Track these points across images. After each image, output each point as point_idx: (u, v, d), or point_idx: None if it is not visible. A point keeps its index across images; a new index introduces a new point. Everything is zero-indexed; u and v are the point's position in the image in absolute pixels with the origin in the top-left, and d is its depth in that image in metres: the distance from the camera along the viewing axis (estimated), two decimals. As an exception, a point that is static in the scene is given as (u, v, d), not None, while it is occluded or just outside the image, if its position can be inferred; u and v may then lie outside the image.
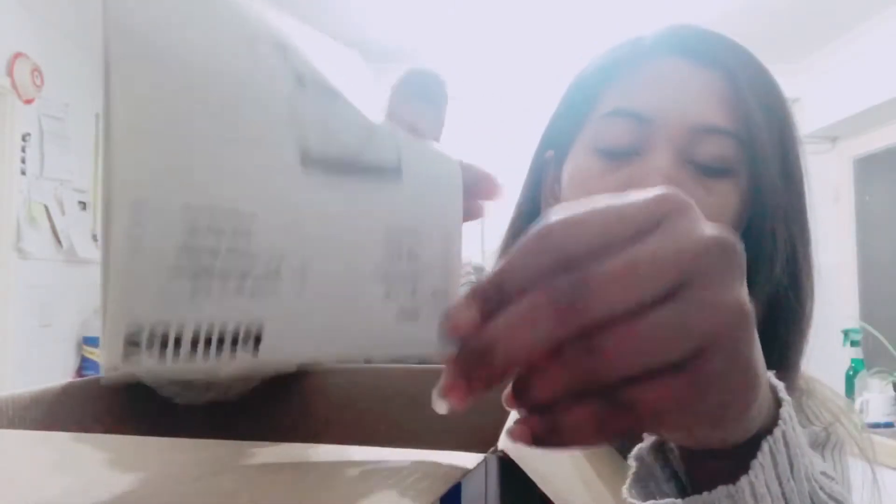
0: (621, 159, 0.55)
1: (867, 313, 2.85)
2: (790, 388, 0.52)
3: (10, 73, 2.34)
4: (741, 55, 0.57)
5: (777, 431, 0.29)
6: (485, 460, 0.26)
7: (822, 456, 0.56)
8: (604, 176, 0.55)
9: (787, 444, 0.29)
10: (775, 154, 0.55)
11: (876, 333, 2.56)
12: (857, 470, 0.62)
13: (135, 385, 0.49)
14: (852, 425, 0.59)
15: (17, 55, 2.38)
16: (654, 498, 0.32)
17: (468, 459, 0.25)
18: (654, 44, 0.58)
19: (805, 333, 0.55)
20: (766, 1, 2.57)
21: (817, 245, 0.58)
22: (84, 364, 2.78)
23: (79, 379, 0.46)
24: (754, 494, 0.28)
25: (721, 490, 0.28)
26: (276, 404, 0.54)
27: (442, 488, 0.21)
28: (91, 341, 2.79)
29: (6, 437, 0.32)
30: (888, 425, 2.30)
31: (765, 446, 0.28)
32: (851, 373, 2.47)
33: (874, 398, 2.36)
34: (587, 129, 0.58)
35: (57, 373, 2.63)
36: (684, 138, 0.53)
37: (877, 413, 2.33)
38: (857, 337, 2.52)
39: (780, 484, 0.29)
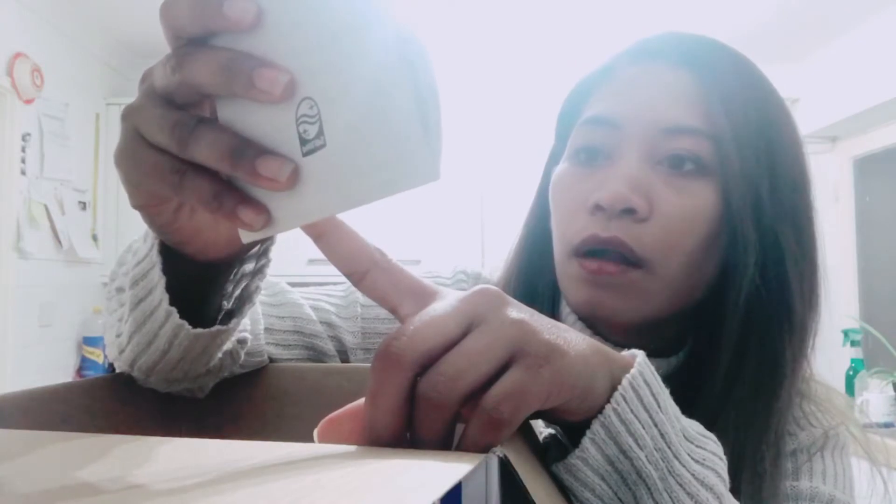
0: (594, 165, 0.56)
1: (867, 313, 2.85)
2: (780, 386, 0.52)
3: (10, 73, 2.34)
4: (720, 54, 0.57)
5: (634, 371, 0.34)
6: (485, 460, 0.26)
7: (823, 458, 0.56)
8: (578, 183, 0.56)
9: (647, 383, 0.34)
10: (757, 151, 0.54)
11: (876, 333, 2.56)
12: (864, 472, 0.62)
13: (131, 386, 0.49)
14: (854, 426, 0.59)
15: (17, 55, 2.38)
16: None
17: (468, 459, 0.25)
18: (631, 51, 0.59)
19: (798, 331, 0.54)
20: (765, 1, 2.57)
21: (822, 246, 0.58)
22: (84, 364, 2.78)
23: (79, 379, 0.47)
24: (622, 420, 0.32)
25: (595, 423, 0.33)
26: (249, 401, 0.54)
27: (442, 488, 0.21)
28: (91, 341, 2.79)
29: (6, 437, 0.32)
30: (888, 425, 2.30)
31: (624, 381, 0.33)
32: (851, 373, 2.47)
33: (874, 398, 2.36)
34: (570, 141, 0.59)
35: (57, 373, 2.63)
36: (653, 140, 0.54)
37: (877, 413, 2.33)
38: (857, 337, 2.52)
39: (650, 414, 0.33)
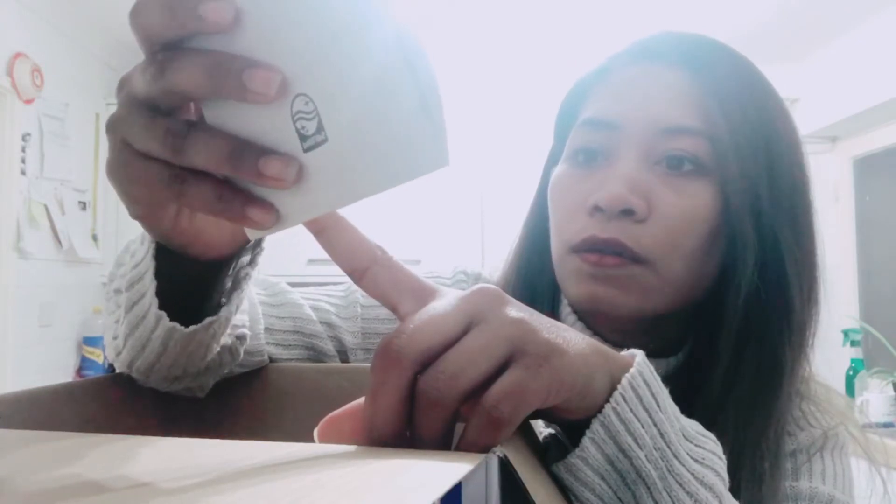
0: (592, 166, 0.56)
1: (867, 313, 2.85)
2: (780, 385, 0.52)
3: (10, 73, 2.34)
4: (718, 54, 0.57)
5: (633, 371, 0.34)
6: (485, 460, 0.26)
7: (822, 458, 0.56)
8: (577, 184, 0.56)
9: (647, 383, 0.34)
10: (756, 151, 0.54)
11: (876, 333, 2.56)
12: (863, 472, 0.62)
13: (131, 386, 0.49)
14: (854, 426, 0.59)
15: (17, 55, 2.38)
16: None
17: (468, 459, 0.25)
18: (629, 52, 0.59)
19: (797, 331, 0.54)
20: (765, 1, 2.57)
21: (821, 245, 0.58)
22: (84, 364, 2.78)
23: (79, 379, 0.47)
24: (621, 420, 0.32)
25: (594, 423, 0.33)
26: (247, 399, 0.55)
27: (442, 488, 0.21)
28: (91, 341, 2.79)
29: (6, 437, 0.32)
30: (888, 425, 2.30)
31: (624, 381, 0.33)
32: (851, 373, 2.47)
33: (874, 398, 2.36)
34: (569, 142, 0.59)
35: (57, 373, 2.63)
36: (651, 141, 0.54)
37: (877, 413, 2.33)
38: (857, 337, 2.52)
39: (649, 413, 0.33)
